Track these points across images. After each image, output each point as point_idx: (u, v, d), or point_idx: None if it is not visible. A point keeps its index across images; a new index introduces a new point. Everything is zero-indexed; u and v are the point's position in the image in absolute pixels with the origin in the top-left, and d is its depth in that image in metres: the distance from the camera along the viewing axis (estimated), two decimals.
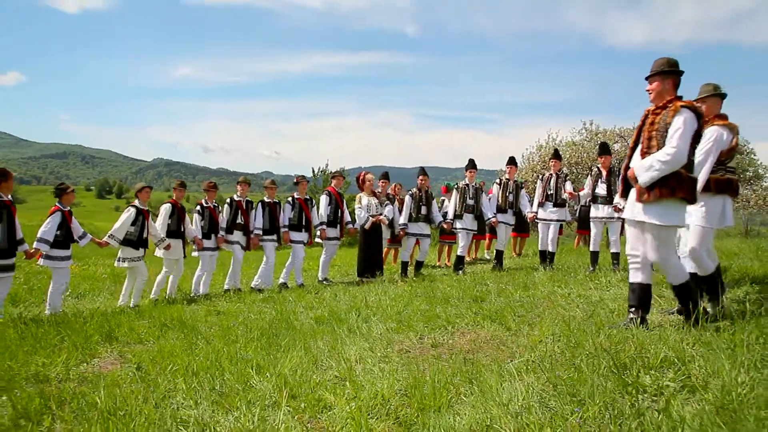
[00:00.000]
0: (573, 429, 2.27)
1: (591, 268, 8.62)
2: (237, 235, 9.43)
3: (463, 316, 5.54)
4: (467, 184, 10.03)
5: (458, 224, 10.10)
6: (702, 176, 4.72)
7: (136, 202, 8.48)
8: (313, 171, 35.00)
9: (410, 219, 9.88)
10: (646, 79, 4.50)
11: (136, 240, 8.26)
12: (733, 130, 4.89)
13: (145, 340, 5.12)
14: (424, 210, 9.92)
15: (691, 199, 4.28)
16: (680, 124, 4.16)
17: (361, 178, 9.84)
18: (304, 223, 9.72)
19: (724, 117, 4.97)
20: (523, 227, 12.73)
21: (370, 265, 9.58)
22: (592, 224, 9.08)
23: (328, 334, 4.89)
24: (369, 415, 2.72)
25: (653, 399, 2.83)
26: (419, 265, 10.16)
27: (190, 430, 2.56)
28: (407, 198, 10.03)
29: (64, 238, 7.49)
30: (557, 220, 9.75)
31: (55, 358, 4.23)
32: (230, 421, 2.63)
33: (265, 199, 9.60)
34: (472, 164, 10.27)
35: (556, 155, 10.23)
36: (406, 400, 2.95)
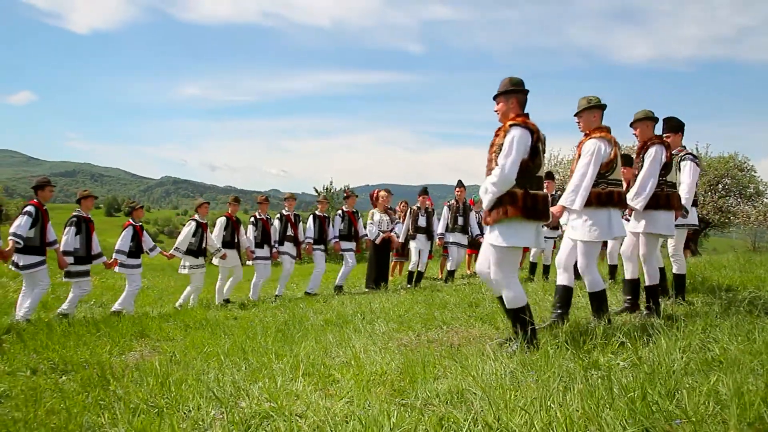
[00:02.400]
0: (528, 389, 2.88)
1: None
2: (287, 246, 10.39)
3: (458, 319, 6.14)
4: (456, 201, 10.84)
5: (412, 244, 10.84)
6: (582, 191, 4.82)
7: (196, 216, 9.59)
8: (316, 190, 35.92)
9: (447, 229, 10.71)
10: (493, 99, 4.48)
11: (197, 250, 9.36)
12: (611, 142, 4.93)
13: (174, 337, 5.77)
14: (461, 221, 10.77)
15: (534, 216, 4.15)
16: (507, 143, 4.10)
17: (374, 195, 10.72)
18: (353, 234, 10.69)
19: (605, 129, 5.00)
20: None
21: (377, 277, 10.35)
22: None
23: (336, 332, 5.51)
24: (370, 384, 3.34)
25: (603, 373, 3.44)
26: (450, 273, 11.03)
27: (228, 390, 3.21)
28: (445, 209, 10.90)
29: (135, 249, 8.69)
30: (550, 238, 10.39)
31: (98, 350, 4.88)
32: (258, 387, 3.26)
33: (317, 213, 10.65)
34: (460, 183, 11.21)
35: (549, 176, 10.52)
36: (401, 375, 3.57)
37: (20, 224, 7.13)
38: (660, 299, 5.80)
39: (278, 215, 10.46)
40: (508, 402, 2.65)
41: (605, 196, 4.90)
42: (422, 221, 10.68)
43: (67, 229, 7.89)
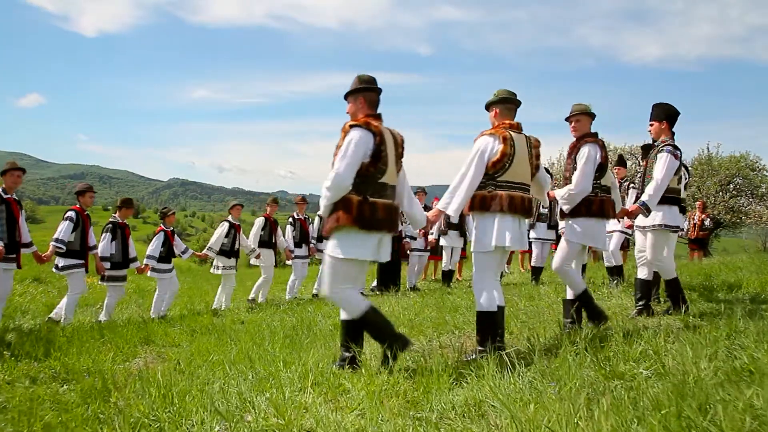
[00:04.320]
0: (551, 402, 2.72)
1: (613, 282, 8.57)
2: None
3: (470, 323, 5.96)
4: None
5: (443, 241, 10.56)
6: (461, 192, 4.28)
7: (230, 218, 9.68)
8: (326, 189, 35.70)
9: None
10: (345, 99, 4.19)
11: (229, 250, 9.44)
12: (500, 138, 4.31)
13: (180, 343, 5.63)
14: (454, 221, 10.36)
15: (372, 226, 3.81)
16: (344, 145, 3.81)
17: None
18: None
19: (511, 126, 4.46)
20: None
21: (386, 279, 10.10)
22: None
23: None
24: (382, 395, 3.19)
25: (627, 384, 3.27)
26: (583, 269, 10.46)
27: (233, 402, 3.06)
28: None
29: (166, 254, 8.83)
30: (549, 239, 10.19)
31: (101, 357, 4.74)
32: (265, 399, 3.11)
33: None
34: None
35: (621, 161, 9.89)
36: (414, 385, 3.41)
37: (62, 230, 7.42)
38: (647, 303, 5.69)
39: (318, 214, 10.30)
40: (531, 419, 2.49)
41: (490, 199, 4.31)
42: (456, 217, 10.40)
43: (103, 235, 8.11)
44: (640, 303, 5.71)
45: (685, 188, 6.09)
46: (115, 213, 8.41)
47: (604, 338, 4.29)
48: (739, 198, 24.55)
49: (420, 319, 6.30)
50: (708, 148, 25.32)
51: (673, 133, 5.59)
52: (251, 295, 10.11)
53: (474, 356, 4.16)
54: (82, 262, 7.67)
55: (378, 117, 4.04)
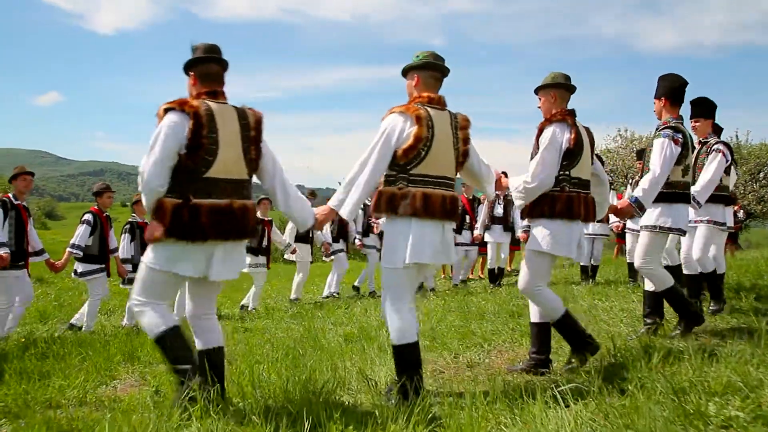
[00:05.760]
0: None
1: (631, 281, 8.13)
2: (372, 239, 9.81)
3: (499, 333, 5.26)
4: (497, 195, 9.59)
5: (488, 236, 9.69)
6: (358, 187, 3.42)
7: (258, 213, 8.94)
8: (339, 184, 35.01)
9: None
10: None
11: (257, 248, 8.92)
12: (412, 117, 3.31)
13: None
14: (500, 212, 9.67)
15: (195, 236, 3.13)
16: (153, 135, 3.11)
17: None
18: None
19: (431, 100, 3.46)
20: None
21: None
22: (627, 234, 8.43)
23: (357, 354, 4.65)
24: None
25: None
26: (594, 269, 9.41)
27: None
28: (628, 188, 9.61)
29: None
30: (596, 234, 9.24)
31: (73, 380, 4.08)
32: None
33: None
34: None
35: (640, 156, 9.65)
36: (442, 431, 2.69)
37: (79, 234, 7.11)
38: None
39: (362, 206, 9.72)
40: None
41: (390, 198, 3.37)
42: (499, 210, 9.59)
43: (122, 236, 7.68)
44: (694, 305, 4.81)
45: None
46: (133, 212, 7.93)
47: (670, 356, 3.54)
48: None
49: (442, 328, 5.58)
50: (737, 136, 24.27)
51: (680, 116, 4.63)
52: (293, 295, 9.71)
53: (402, 392, 3.24)
54: (102, 266, 7.35)
55: (215, 94, 3.24)
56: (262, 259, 9.07)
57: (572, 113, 3.96)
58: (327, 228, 9.50)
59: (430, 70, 3.51)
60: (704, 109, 5.44)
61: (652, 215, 4.51)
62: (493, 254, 9.76)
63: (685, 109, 5.00)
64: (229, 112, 3.22)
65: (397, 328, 3.31)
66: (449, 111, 3.52)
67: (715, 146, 5.26)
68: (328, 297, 9.74)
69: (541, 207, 3.89)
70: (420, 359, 3.39)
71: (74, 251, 7.06)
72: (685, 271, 5.53)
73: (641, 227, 4.69)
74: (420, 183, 3.30)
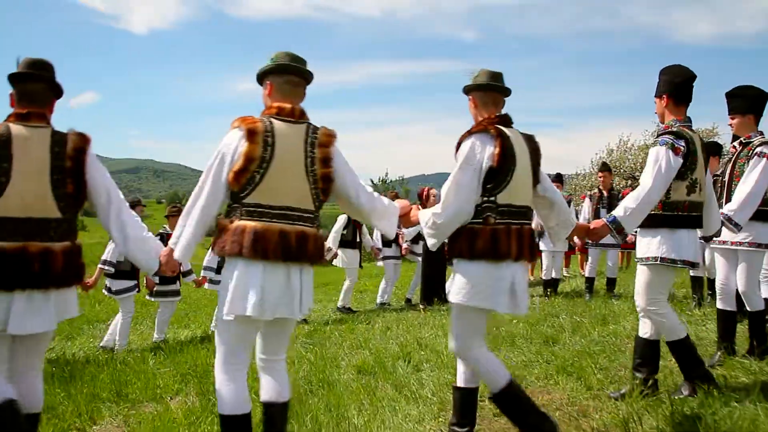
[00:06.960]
0: None
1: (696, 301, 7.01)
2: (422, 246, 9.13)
3: (532, 365, 4.66)
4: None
5: (542, 245, 8.78)
6: (191, 221, 2.88)
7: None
8: (372, 181, 34.29)
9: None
10: None
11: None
12: (245, 132, 2.74)
13: (163, 395, 4.46)
14: (604, 214, 7.71)
15: None
16: None
17: (424, 194, 8.77)
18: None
19: (281, 111, 2.87)
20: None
21: (430, 289, 8.58)
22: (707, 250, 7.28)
23: (369, 395, 4.09)
24: None
25: None
26: (610, 282, 8.62)
27: None
28: (586, 200, 8.79)
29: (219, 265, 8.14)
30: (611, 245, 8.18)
31: (46, 430, 3.60)
32: None
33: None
34: (558, 178, 9.28)
35: (605, 167, 8.88)
36: None
37: (110, 250, 6.87)
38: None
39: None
40: None
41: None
42: None
43: None
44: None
45: None
46: (165, 224, 7.61)
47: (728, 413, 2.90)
48: None
49: None
50: None
51: (687, 118, 3.71)
52: (341, 303, 9.10)
53: None
54: (135, 282, 7.19)
55: (27, 116, 2.76)
56: None
57: (504, 120, 3.11)
58: (376, 232, 8.86)
59: (286, 74, 2.92)
60: (744, 102, 4.32)
61: (651, 244, 3.61)
62: (549, 264, 8.98)
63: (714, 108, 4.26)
64: (37, 137, 2.72)
65: (225, 395, 2.70)
66: (308, 124, 2.88)
67: (759, 149, 4.15)
68: (382, 305, 9.31)
69: (459, 245, 3.02)
70: None
71: (106, 267, 6.84)
72: (719, 306, 4.50)
73: (637, 260, 3.77)
74: (256, 215, 2.67)
